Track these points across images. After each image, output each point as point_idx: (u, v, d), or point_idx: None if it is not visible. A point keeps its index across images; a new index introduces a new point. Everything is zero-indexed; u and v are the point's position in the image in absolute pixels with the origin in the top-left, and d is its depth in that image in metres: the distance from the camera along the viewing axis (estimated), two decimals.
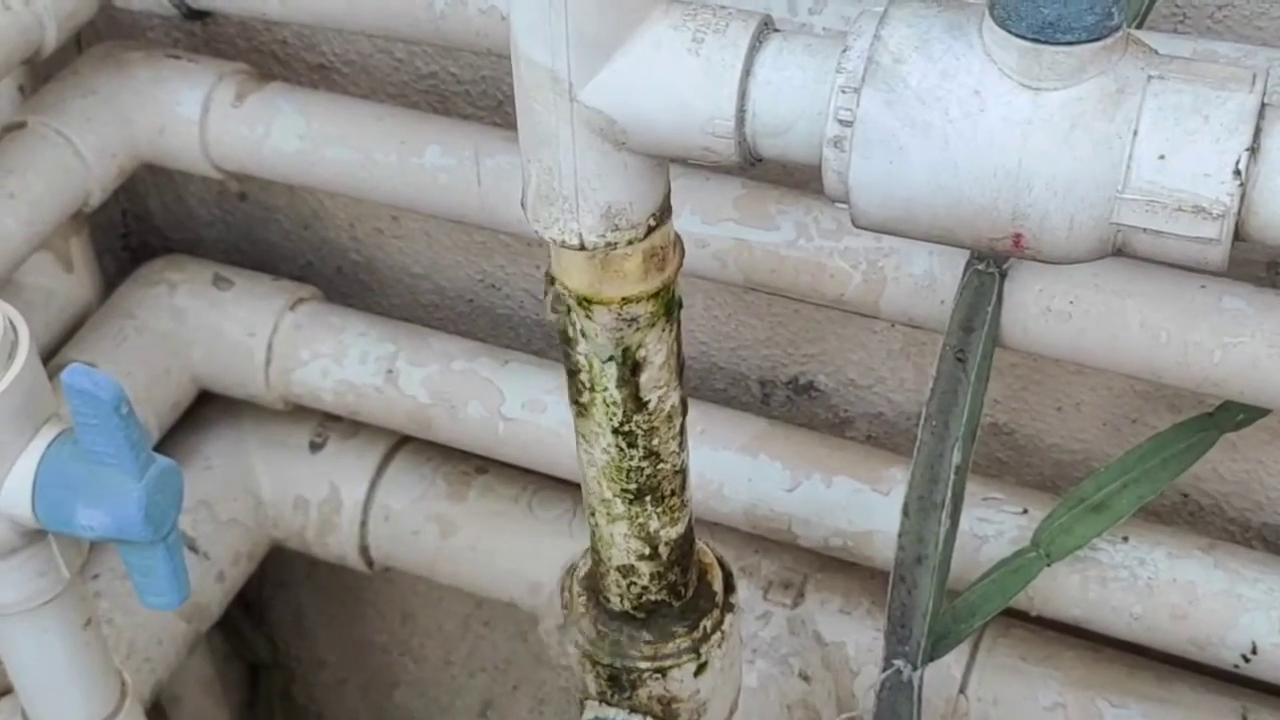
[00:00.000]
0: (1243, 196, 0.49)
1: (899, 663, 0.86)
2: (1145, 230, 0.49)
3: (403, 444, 1.14)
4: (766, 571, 1.03)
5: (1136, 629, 0.90)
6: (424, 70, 1.06)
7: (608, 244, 0.58)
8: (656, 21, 0.54)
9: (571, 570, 0.77)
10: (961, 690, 0.97)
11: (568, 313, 0.63)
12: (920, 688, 0.87)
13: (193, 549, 1.11)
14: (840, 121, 0.51)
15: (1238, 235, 0.50)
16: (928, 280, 0.85)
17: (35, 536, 0.74)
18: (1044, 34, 0.48)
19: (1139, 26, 0.77)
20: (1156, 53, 0.50)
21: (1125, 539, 0.90)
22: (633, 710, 0.76)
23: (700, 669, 0.74)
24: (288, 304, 1.09)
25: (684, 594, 0.75)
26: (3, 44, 0.91)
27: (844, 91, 0.51)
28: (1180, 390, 0.90)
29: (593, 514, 0.71)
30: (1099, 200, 0.49)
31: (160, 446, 1.12)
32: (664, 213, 0.59)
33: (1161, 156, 0.49)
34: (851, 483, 0.94)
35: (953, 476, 0.81)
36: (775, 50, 0.53)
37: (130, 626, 1.07)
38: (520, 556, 1.09)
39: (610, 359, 0.64)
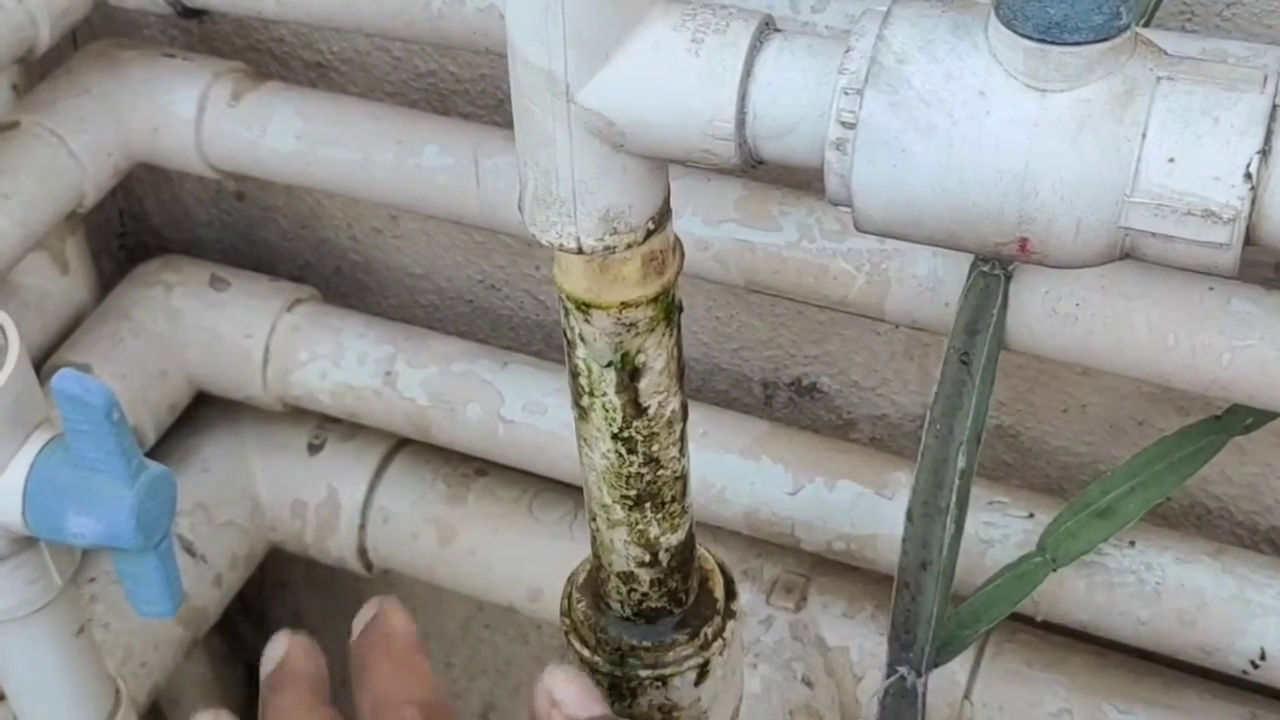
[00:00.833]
0: (1254, 200, 0.48)
1: (903, 669, 0.85)
2: (1154, 234, 0.48)
3: (401, 446, 1.13)
4: (769, 575, 1.02)
5: (1144, 634, 0.89)
6: (422, 69, 1.06)
7: (606, 248, 0.57)
8: (655, 21, 0.53)
9: (572, 577, 0.76)
10: (966, 696, 0.96)
11: (566, 316, 0.62)
12: (924, 694, 0.86)
13: (190, 552, 1.10)
14: (843, 124, 0.50)
15: (1249, 239, 0.49)
16: (932, 282, 0.84)
17: (26, 544, 0.73)
18: (1050, 34, 0.47)
19: (1146, 25, 0.76)
20: (1165, 53, 0.49)
21: (1132, 543, 0.89)
22: (633, 718, 0.75)
23: (701, 677, 0.73)
24: (285, 305, 1.08)
25: (685, 601, 0.74)
26: None
27: (846, 93, 0.50)
28: (1188, 393, 0.89)
29: (593, 519, 0.70)
30: (1107, 204, 0.48)
31: (157, 449, 1.11)
32: (663, 216, 0.58)
33: (1171, 159, 0.48)
34: (855, 486, 0.93)
35: (958, 481, 0.80)
36: (776, 51, 0.52)
37: (126, 631, 1.06)
38: (520, 560, 1.09)
39: (609, 364, 0.63)
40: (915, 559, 0.82)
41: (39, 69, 1.04)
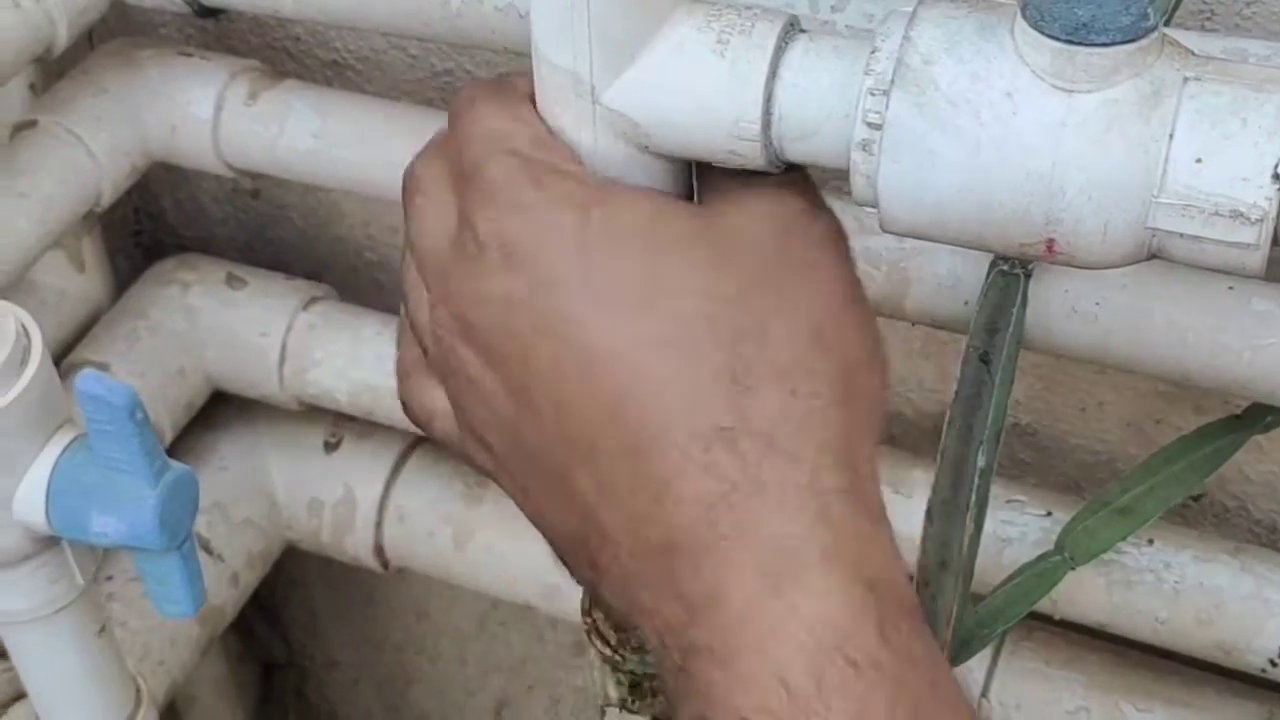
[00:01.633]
0: None
1: None
2: (1181, 235, 0.48)
3: (417, 444, 1.14)
4: None
5: (1162, 633, 0.89)
6: (439, 68, 1.06)
7: None
8: (680, 23, 0.53)
9: None
10: (984, 694, 0.96)
11: None
12: None
13: (207, 550, 1.10)
14: (869, 124, 0.50)
15: (1276, 240, 0.49)
16: (951, 281, 0.84)
17: (48, 543, 0.74)
18: (1078, 35, 0.47)
19: (1166, 25, 0.75)
20: (1193, 53, 0.49)
21: (1151, 542, 0.89)
22: (654, 718, 0.75)
23: None
24: (301, 303, 1.08)
25: None
26: (13, 42, 0.90)
27: (873, 94, 0.50)
28: (1206, 392, 0.89)
29: None
30: (1134, 204, 0.48)
31: (174, 447, 1.11)
32: None
33: (1198, 160, 0.48)
34: None
35: (977, 480, 0.80)
36: (802, 52, 0.52)
37: (144, 630, 1.06)
38: (537, 557, 1.08)
39: None
40: (935, 558, 0.82)
41: (57, 69, 1.04)
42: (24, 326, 0.71)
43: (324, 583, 1.41)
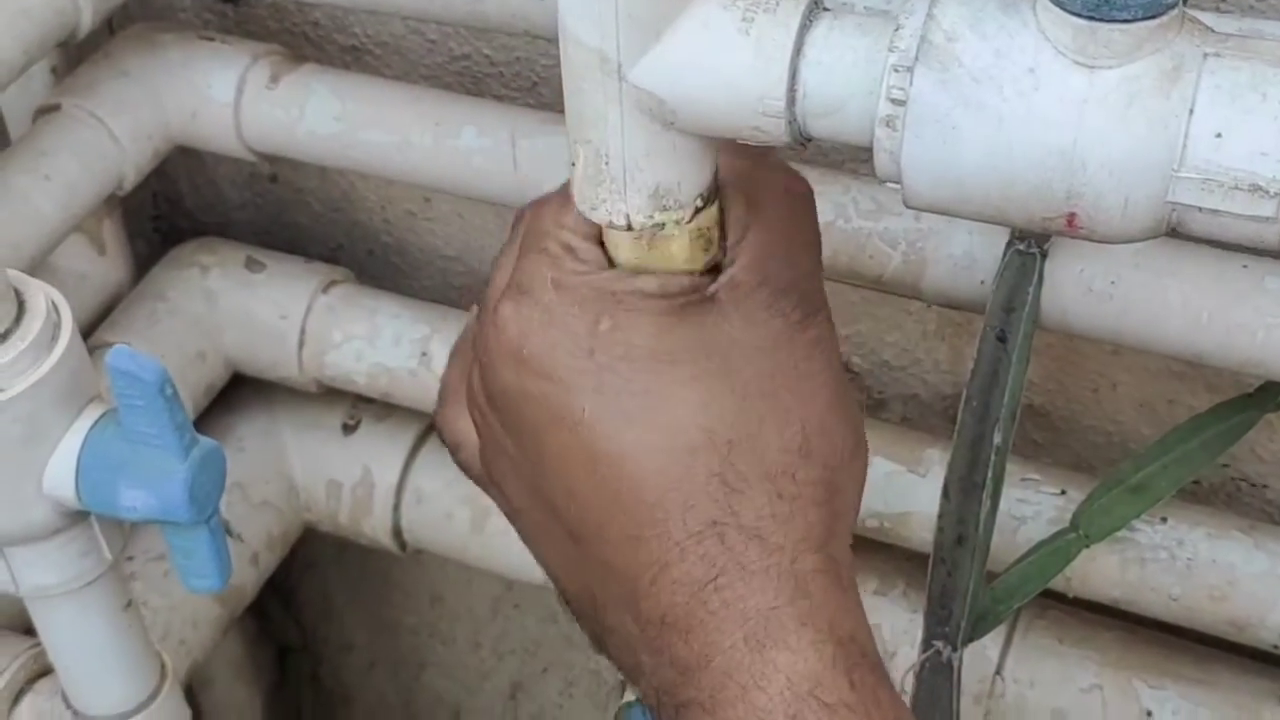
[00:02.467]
0: None
1: (938, 643, 0.86)
2: (1201, 209, 0.49)
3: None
4: None
5: (1175, 610, 0.90)
6: (457, 52, 1.06)
7: (655, 224, 0.58)
8: (705, 0, 0.53)
9: None
10: (998, 672, 0.97)
11: None
12: (960, 668, 0.87)
13: (227, 531, 1.11)
14: (893, 101, 0.51)
15: None
16: (967, 261, 0.85)
17: (77, 518, 0.75)
18: (1099, 11, 0.48)
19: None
20: (1212, 30, 0.50)
21: (1164, 520, 0.89)
22: None
23: None
24: (320, 286, 1.09)
25: None
26: (39, 26, 0.91)
27: (897, 70, 0.51)
28: (1219, 371, 0.90)
29: None
30: (1154, 179, 0.49)
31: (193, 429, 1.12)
32: (711, 193, 0.59)
33: (1218, 135, 0.48)
34: (889, 464, 0.94)
35: (994, 457, 0.81)
36: (826, 29, 0.53)
37: (165, 609, 1.07)
38: None
39: None
40: (951, 534, 0.83)
41: (77, 53, 1.05)
42: (54, 304, 0.72)
43: (339, 566, 1.42)
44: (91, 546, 0.76)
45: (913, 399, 1.06)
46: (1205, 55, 0.49)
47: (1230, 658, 0.95)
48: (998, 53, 0.49)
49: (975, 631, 0.86)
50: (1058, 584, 0.89)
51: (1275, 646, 0.89)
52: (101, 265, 1.12)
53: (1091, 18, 0.48)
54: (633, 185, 0.57)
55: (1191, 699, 0.94)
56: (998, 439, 0.81)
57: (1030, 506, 0.91)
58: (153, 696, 0.85)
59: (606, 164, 0.56)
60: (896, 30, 0.51)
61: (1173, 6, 0.48)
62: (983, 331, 0.80)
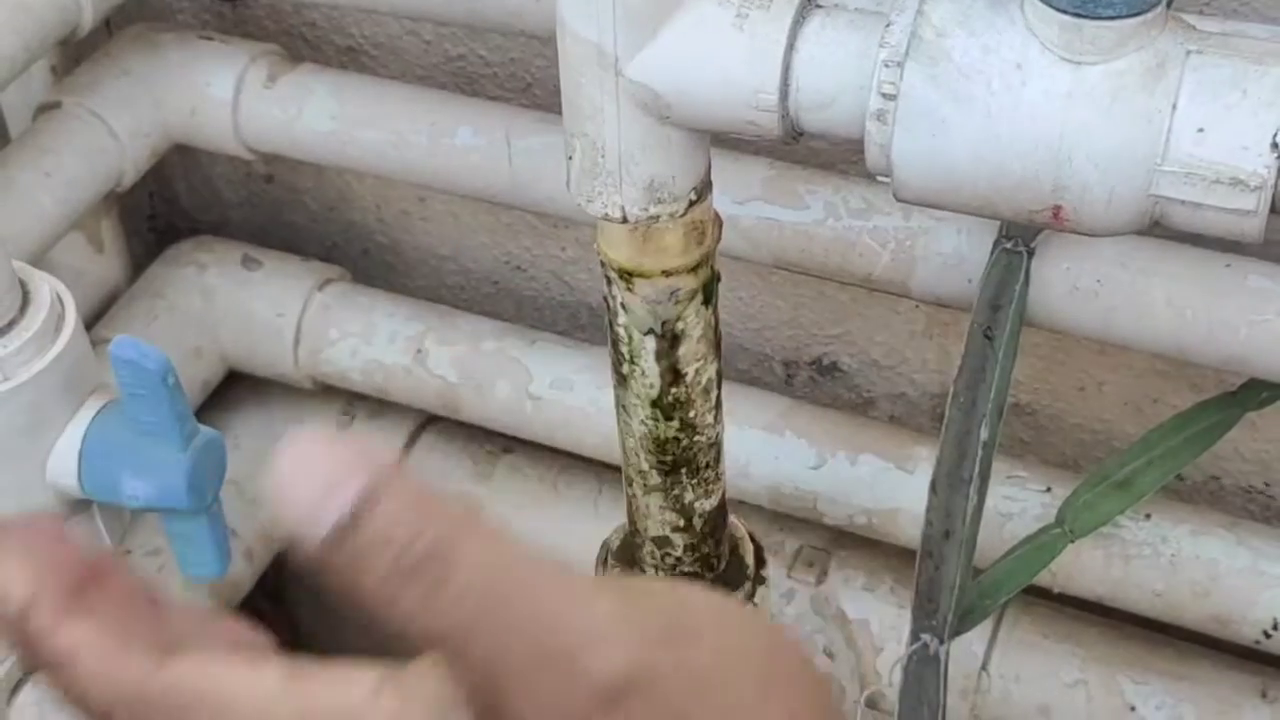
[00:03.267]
0: None
1: (926, 637, 0.87)
2: (1183, 202, 0.50)
3: (429, 423, 1.15)
4: (790, 549, 1.04)
5: (1159, 606, 0.91)
6: (453, 52, 1.07)
7: (650, 217, 0.59)
8: None
9: (606, 544, 0.78)
10: (983, 667, 0.98)
11: (609, 285, 0.64)
12: (946, 662, 0.88)
13: None
14: (883, 95, 0.52)
15: (1274, 207, 0.51)
16: (955, 259, 0.86)
17: (80, 506, 0.76)
18: (1085, 9, 0.49)
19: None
20: (1195, 28, 0.51)
21: (1148, 516, 0.91)
22: None
23: None
24: (316, 284, 1.10)
25: (716, 567, 0.76)
26: (42, 24, 0.92)
27: (887, 66, 0.52)
28: (1204, 368, 0.91)
29: (630, 485, 0.73)
30: (1138, 172, 0.50)
31: None
32: (705, 187, 0.60)
33: (1200, 129, 0.50)
34: (877, 461, 0.95)
35: (980, 452, 0.82)
36: (819, 25, 0.54)
37: None
38: (546, 535, 1.10)
39: (649, 331, 0.65)
40: (939, 529, 0.84)
41: (76, 52, 1.06)
42: (58, 295, 0.73)
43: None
44: (92, 535, 0.77)
45: (901, 397, 1.07)
46: (1188, 52, 0.50)
47: (1213, 653, 0.96)
48: (986, 48, 0.51)
49: (962, 625, 0.87)
50: (1043, 579, 0.90)
51: (1257, 642, 0.90)
52: (99, 263, 1.13)
53: (1078, 14, 0.49)
54: (628, 178, 0.58)
55: (1175, 694, 0.95)
56: (984, 434, 0.82)
57: (1016, 503, 0.92)
58: None
59: (603, 157, 0.58)
60: (887, 27, 0.52)
61: (1157, 4, 0.50)
62: (970, 328, 0.82)
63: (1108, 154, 0.50)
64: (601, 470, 1.07)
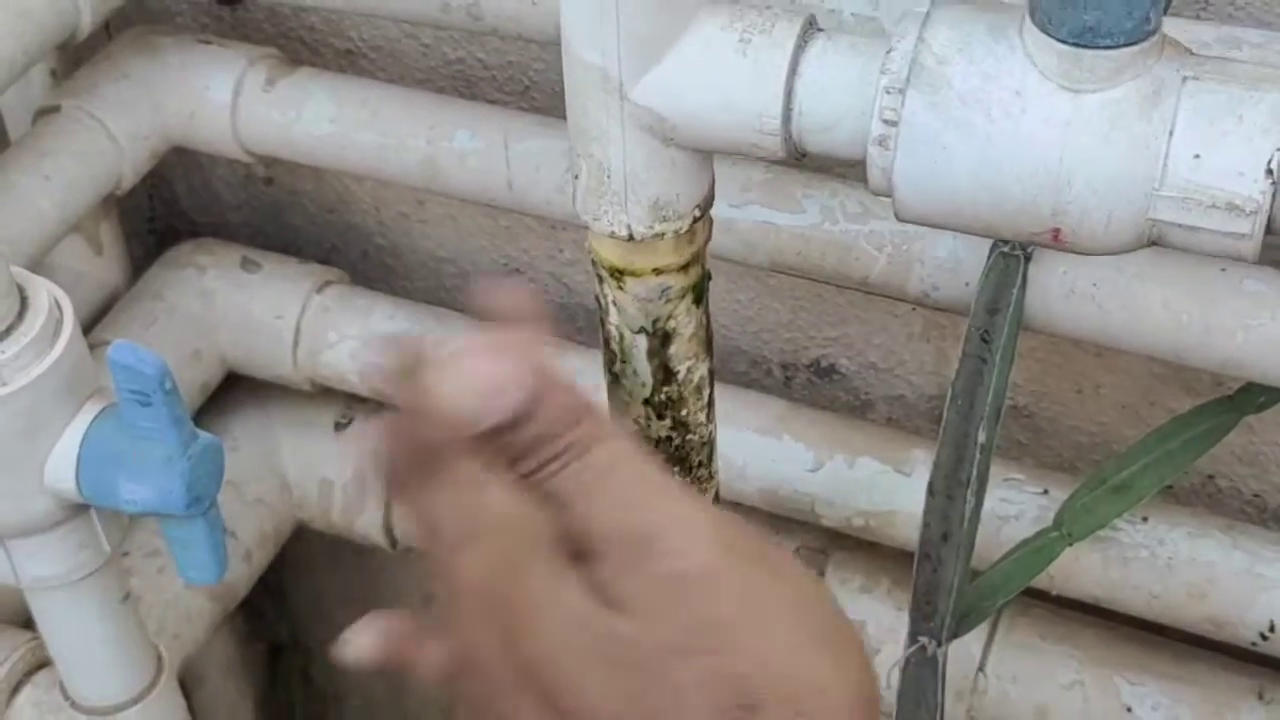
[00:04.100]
0: (1275, 193, 0.50)
1: (924, 639, 0.87)
2: (1180, 225, 0.51)
3: None
4: (787, 550, 1.04)
5: (1156, 608, 0.91)
6: (451, 56, 1.08)
7: (655, 234, 0.59)
8: (704, 22, 0.55)
9: None
10: (981, 668, 0.98)
11: (600, 284, 0.65)
12: (944, 663, 0.88)
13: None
14: (885, 121, 0.52)
15: (1269, 229, 0.51)
16: (952, 263, 0.86)
17: (77, 510, 0.76)
18: (1084, 38, 0.50)
19: (1164, 13, 0.77)
20: (1191, 53, 0.52)
21: (1145, 519, 0.91)
22: None
23: None
24: (315, 286, 1.10)
25: None
26: (41, 28, 0.92)
27: (889, 92, 0.52)
28: (1200, 372, 0.91)
29: None
30: (1136, 197, 0.51)
31: None
32: (708, 203, 0.60)
33: (1196, 155, 0.50)
34: (875, 463, 0.95)
35: (978, 455, 0.82)
36: (820, 50, 0.55)
37: (160, 604, 1.08)
38: None
39: (640, 330, 0.65)
40: (937, 531, 0.85)
41: (75, 55, 1.06)
42: (56, 300, 0.73)
43: (330, 565, 1.43)
44: (91, 539, 0.78)
45: (898, 400, 1.08)
46: (1184, 79, 0.51)
47: (1210, 655, 0.97)
48: (986, 76, 0.51)
49: (960, 628, 0.88)
50: (1040, 582, 0.91)
51: (1254, 644, 0.90)
52: (98, 265, 1.13)
53: (1076, 44, 0.50)
54: (633, 198, 0.58)
55: (1171, 695, 0.95)
56: (982, 437, 0.82)
57: (1014, 506, 0.93)
58: (149, 688, 0.87)
59: (608, 178, 0.58)
60: (889, 53, 0.53)
61: (1154, 33, 0.50)
62: (967, 331, 0.82)
63: (1106, 180, 0.51)
64: None
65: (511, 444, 0.46)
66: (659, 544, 0.46)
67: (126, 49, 1.06)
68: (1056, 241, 0.52)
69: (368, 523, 1.15)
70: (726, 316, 1.09)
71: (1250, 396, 0.85)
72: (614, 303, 0.65)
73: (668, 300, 0.64)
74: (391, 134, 1.00)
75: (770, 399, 1.00)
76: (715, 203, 0.91)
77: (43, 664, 0.95)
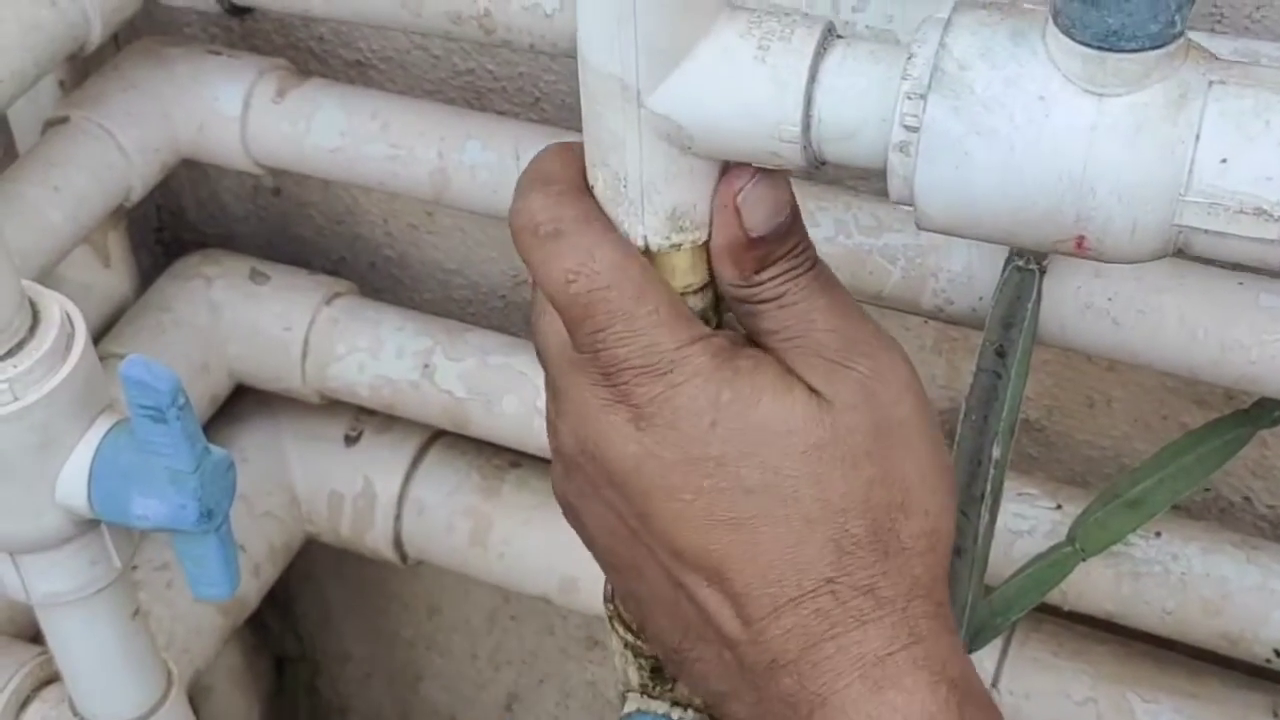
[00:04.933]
0: None
1: None
2: (1207, 232, 0.50)
3: (437, 438, 1.15)
4: None
5: (1169, 624, 0.91)
6: (461, 67, 1.07)
7: (672, 245, 0.59)
8: (722, 30, 0.55)
9: None
10: (994, 684, 0.98)
11: None
12: None
13: None
14: (906, 128, 0.52)
15: None
16: (967, 277, 0.86)
17: (88, 526, 0.76)
18: (1108, 42, 0.49)
19: None
20: (1216, 57, 0.51)
21: (1159, 534, 0.91)
22: (674, 703, 0.77)
23: None
24: (324, 298, 1.10)
25: None
26: (51, 40, 0.92)
27: (910, 98, 0.52)
28: (1214, 387, 0.91)
29: None
30: (1162, 203, 0.50)
31: None
32: None
33: (1223, 160, 0.50)
34: None
35: (993, 471, 0.82)
36: (840, 57, 0.54)
37: (169, 618, 1.08)
38: (554, 550, 1.10)
39: None
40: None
41: (84, 67, 1.06)
42: (68, 314, 0.73)
43: (337, 578, 1.43)
44: (101, 555, 0.77)
45: None
46: (1210, 83, 0.50)
47: (1223, 671, 0.96)
48: (1008, 81, 0.51)
49: (974, 644, 0.87)
50: (1054, 597, 0.90)
51: (1268, 660, 0.90)
52: (106, 277, 1.13)
53: (1100, 48, 0.49)
54: (650, 208, 0.58)
55: (1185, 712, 0.95)
56: (997, 452, 0.82)
57: (1027, 520, 0.92)
58: (159, 703, 0.86)
59: (625, 187, 0.57)
60: (909, 59, 0.52)
61: (1179, 36, 0.50)
62: (982, 346, 0.81)
63: (1131, 185, 0.50)
64: None
65: (772, 252, 0.58)
66: (862, 346, 0.58)
67: (135, 60, 1.06)
68: (1080, 250, 0.52)
69: (377, 537, 1.15)
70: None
71: (1265, 411, 0.85)
72: None
73: None
74: (402, 146, 1.00)
75: None
76: None
77: (51, 679, 0.95)
